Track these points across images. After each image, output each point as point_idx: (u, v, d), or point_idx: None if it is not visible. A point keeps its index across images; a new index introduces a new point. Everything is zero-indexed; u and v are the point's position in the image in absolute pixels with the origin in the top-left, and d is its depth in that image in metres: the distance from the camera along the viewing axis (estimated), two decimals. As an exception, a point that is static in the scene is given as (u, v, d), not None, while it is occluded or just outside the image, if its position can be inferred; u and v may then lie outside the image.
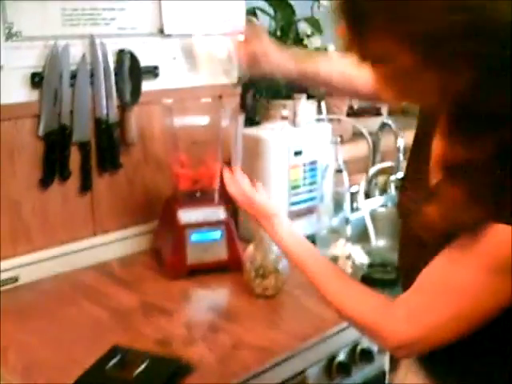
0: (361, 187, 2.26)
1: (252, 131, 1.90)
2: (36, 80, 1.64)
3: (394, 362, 1.41)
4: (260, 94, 2.09)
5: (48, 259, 1.72)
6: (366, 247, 2.03)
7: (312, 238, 1.77)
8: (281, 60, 1.44)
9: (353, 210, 2.20)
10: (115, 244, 1.84)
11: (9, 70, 1.59)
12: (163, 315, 1.51)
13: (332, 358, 1.48)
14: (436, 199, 0.88)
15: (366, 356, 1.53)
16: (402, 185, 1.22)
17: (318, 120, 2.16)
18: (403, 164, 2.11)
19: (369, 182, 2.34)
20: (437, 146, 0.98)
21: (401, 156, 2.26)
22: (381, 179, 2.42)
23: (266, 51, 1.43)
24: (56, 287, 1.67)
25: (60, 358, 1.33)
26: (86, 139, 1.74)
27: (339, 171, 1.97)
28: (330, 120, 2.22)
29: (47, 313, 1.54)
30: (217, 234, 1.70)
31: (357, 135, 2.44)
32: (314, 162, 1.96)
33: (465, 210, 0.84)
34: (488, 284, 0.86)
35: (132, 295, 1.60)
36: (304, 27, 2.18)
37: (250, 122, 1.95)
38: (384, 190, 2.40)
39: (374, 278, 1.68)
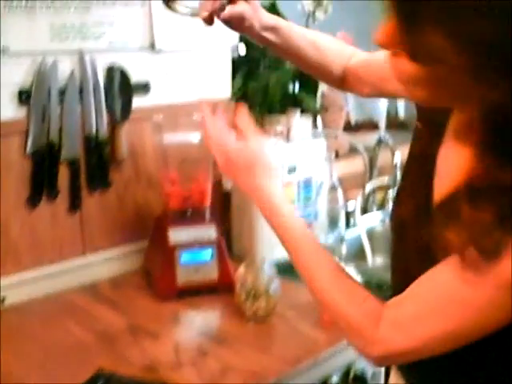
0: (357, 203, 2.23)
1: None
2: (24, 97, 1.62)
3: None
4: (254, 109, 2.06)
5: (36, 279, 1.69)
6: (362, 266, 2.01)
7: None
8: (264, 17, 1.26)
9: (349, 226, 2.17)
10: (105, 263, 1.80)
11: (-4, 86, 1.56)
12: (151, 338, 1.47)
13: (324, 382, 1.44)
14: (456, 222, 0.83)
15: (360, 380, 1.49)
16: (396, 198, 1.17)
17: (314, 135, 2.13)
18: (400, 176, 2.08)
19: (366, 198, 2.30)
20: (451, 161, 0.93)
21: (398, 171, 2.23)
22: (378, 195, 2.38)
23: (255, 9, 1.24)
24: (43, 309, 1.64)
25: (44, 382, 1.29)
26: (75, 157, 1.71)
27: (334, 188, 1.93)
28: (326, 135, 2.19)
29: (33, 336, 1.50)
30: (207, 254, 1.67)
31: (354, 150, 2.41)
32: (308, 179, 1.93)
33: (489, 233, 0.79)
34: (496, 299, 0.82)
35: (120, 317, 1.57)
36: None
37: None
38: (381, 206, 2.37)
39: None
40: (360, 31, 2.48)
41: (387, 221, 2.26)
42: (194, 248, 1.66)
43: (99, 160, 1.75)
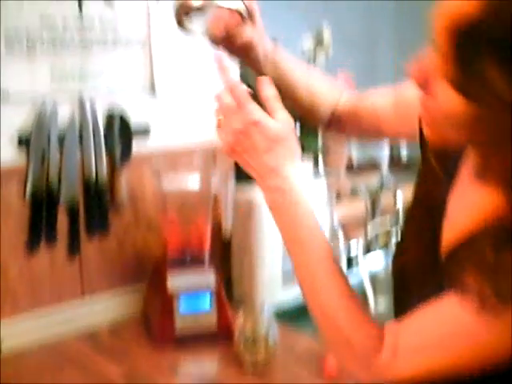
0: (359, 245, 2.21)
1: (244, 193, 1.85)
2: (23, 141, 1.61)
3: None
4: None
5: (34, 323, 1.67)
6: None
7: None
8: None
9: (350, 265, 2.15)
10: (103, 308, 1.79)
11: (-5, 129, 1.56)
12: (148, 389, 1.45)
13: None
14: (477, 264, 0.80)
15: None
16: (399, 244, 1.14)
17: (315, 176, 2.12)
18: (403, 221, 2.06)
19: (368, 240, 2.28)
20: (468, 202, 0.90)
21: (400, 213, 2.21)
22: (380, 237, 2.36)
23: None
24: (40, 358, 1.61)
25: None
26: (74, 202, 1.70)
27: (335, 231, 1.92)
28: (327, 176, 2.17)
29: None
30: (206, 301, 1.64)
31: (355, 191, 2.40)
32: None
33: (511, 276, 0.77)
34: (506, 337, 0.79)
35: (117, 367, 1.54)
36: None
37: (244, 177, 1.90)
38: (384, 248, 2.34)
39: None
40: (360, 70, 2.49)
41: (390, 264, 2.24)
42: (193, 294, 1.64)
43: (99, 204, 1.74)
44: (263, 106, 0.92)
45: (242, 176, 1.83)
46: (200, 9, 0.94)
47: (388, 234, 2.32)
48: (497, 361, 0.81)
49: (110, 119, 1.75)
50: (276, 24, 2.10)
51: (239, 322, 1.53)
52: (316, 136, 2.20)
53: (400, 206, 2.20)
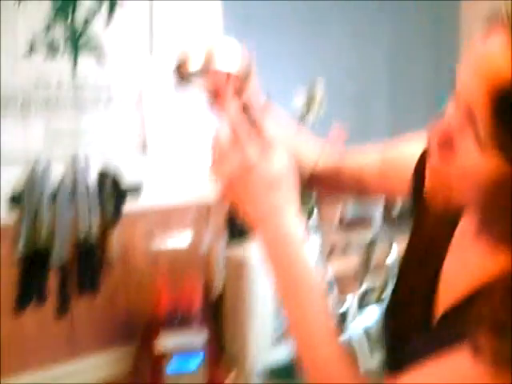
0: (353, 301, 2.20)
1: (236, 251, 1.85)
2: (16, 200, 1.62)
3: None
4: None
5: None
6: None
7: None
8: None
9: (345, 321, 2.14)
10: (93, 368, 1.77)
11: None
12: None
13: None
14: (488, 324, 0.78)
15: None
16: (391, 307, 1.12)
17: (309, 232, 2.12)
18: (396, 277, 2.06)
19: (361, 296, 2.28)
20: (467, 262, 0.90)
21: (393, 269, 2.21)
22: (374, 291, 2.36)
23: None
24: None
25: None
26: (65, 260, 1.70)
27: (328, 287, 1.91)
28: (321, 231, 2.18)
29: None
30: (196, 361, 1.63)
31: (349, 246, 2.40)
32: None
33: None
34: None
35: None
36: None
37: (236, 236, 1.91)
38: (378, 302, 2.33)
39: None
40: (353, 125, 2.52)
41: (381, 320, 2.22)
42: (183, 354, 1.63)
43: (89, 263, 1.74)
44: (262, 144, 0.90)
45: (233, 234, 1.84)
46: (198, 72, 0.93)
47: (382, 289, 2.32)
48: None
49: (102, 177, 1.76)
50: (270, 78, 2.14)
51: (230, 382, 1.52)
52: (310, 193, 2.21)
53: (393, 260, 2.20)
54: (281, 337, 1.83)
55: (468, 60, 0.78)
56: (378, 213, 2.56)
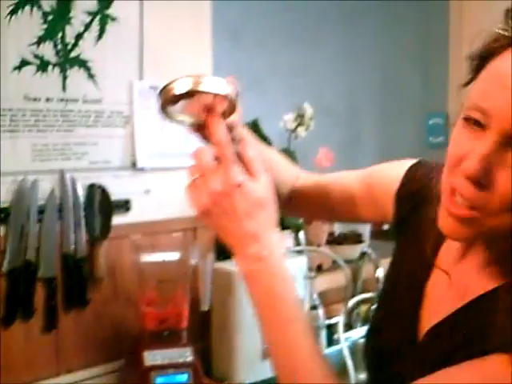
0: (340, 318, 2.19)
1: (224, 266, 1.85)
2: (2, 215, 1.61)
3: None
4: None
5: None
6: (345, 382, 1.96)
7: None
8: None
9: (332, 343, 2.13)
10: (80, 383, 1.75)
11: (-27, 205, 1.56)
12: None
13: None
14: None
15: None
16: (375, 326, 1.12)
17: (296, 251, 2.12)
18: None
19: (349, 313, 2.27)
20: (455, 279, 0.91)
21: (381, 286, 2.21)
22: (362, 309, 2.35)
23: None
24: None
25: None
26: (52, 275, 1.69)
27: (314, 307, 1.91)
28: (308, 252, 2.18)
29: None
30: (184, 377, 1.62)
31: (337, 263, 2.40)
32: (289, 297, 1.91)
33: None
34: None
35: None
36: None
37: (224, 251, 1.91)
38: (366, 321, 2.33)
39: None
40: (342, 146, 2.54)
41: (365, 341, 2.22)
42: (170, 372, 1.62)
43: (77, 278, 1.73)
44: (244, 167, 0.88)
45: (221, 249, 1.83)
46: (185, 95, 0.92)
47: (371, 304, 2.32)
48: None
49: (90, 193, 1.76)
50: (260, 95, 2.16)
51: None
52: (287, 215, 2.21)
53: (381, 280, 2.20)
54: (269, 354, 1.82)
55: (493, 83, 0.76)
56: (367, 227, 2.57)
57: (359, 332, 2.26)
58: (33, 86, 1.65)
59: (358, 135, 2.71)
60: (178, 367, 1.63)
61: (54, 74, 1.69)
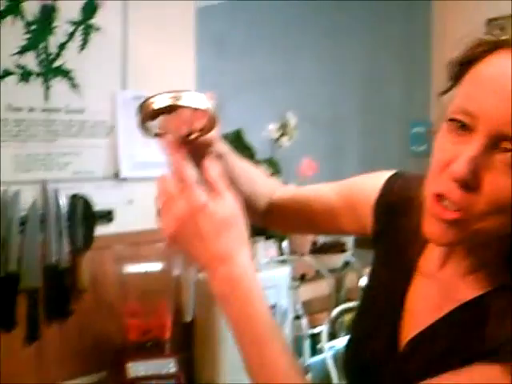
0: (324, 327, 2.20)
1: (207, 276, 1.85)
2: (-16, 226, 1.60)
3: None
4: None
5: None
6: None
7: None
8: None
9: (316, 351, 2.13)
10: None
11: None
12: None
13: None
14: None
15: None
16: (355, 338, 1.11)
17: (280, 261, 2.13)
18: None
19: (333, 322, 2.28)
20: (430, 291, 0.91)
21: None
22: (346, 318, 2.36)
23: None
24: None
25: None
26: (35, 287, 1.68)
27: (298, 317, 1.91)
28: (291, 261, 2.18)
29: None
30: (167, 390, 1.62)
31: (320, 272, 2.40)
32: (272, 306, 1.91)
33: None
34: None
35: None
36: (264, 169, 2.19)
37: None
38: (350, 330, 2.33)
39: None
40: (324, 156, 2.54)
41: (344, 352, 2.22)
42: (154, 381, 1.62)
43: (59, 289, 1.72)
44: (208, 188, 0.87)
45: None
46: (164, 110, 0.91)
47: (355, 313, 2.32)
48: None
49: (73, 204, 1.75)
50: (244, 103, 2.17)
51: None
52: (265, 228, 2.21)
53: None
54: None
55: (479, 86, 0.77)
56: (350, 238, 2.57)
57: (343, 341, 2.26)
58: (15, 96, 1.65)
59: (341, 144, 2.72)
60: (161, 378, 1.62)
61: (36, 83, 1.68)
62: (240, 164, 1.10)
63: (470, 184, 0.75)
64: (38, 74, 1.68)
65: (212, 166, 0.89)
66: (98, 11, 1.78)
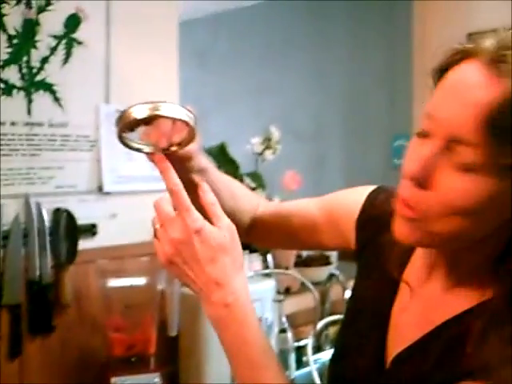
0: (309, 341, 2.19)
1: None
2: (-34, 241, 1.59)
3: None
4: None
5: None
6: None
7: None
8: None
9: (302, 364, 2.13)
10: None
11: None
12: None
13: None
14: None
15: None
16: (339, 353, 1.10)
17: (264, 274, 2.12)
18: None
19: (318, 335, 2.27)
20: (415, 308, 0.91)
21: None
22: (331, 331, 2.35)
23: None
24: None
25: None
26: (17, 302, 1.66)
27: (283, 330, 1.91)
28: (276, 274, 2.18)
29: None
30: (151, 405, 1.61)
31: (305, 285, 2.40)
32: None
33: None
34: None
35: None
36: (248, 182, 2.19)
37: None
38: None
39: None
40: (308, 168, 2.55)
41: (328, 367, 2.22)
42: (138, 398, 1.60)
43: (42, 304, 1.71)
44: (203, 213, 0.86)
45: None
46: (143, 121, 0.90)
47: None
48: None
49: (56, 218, 1.74)
50: (227, 116, 2.18)
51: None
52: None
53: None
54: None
55: (442, 92, 0.79)
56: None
57: (328, 354, 2.26)
58: (-2, 111, 1.64)
59: (324, 157, 2.73)
60: (145, 394, 1.61)
61: (19, 97, 1.67)
62: (222, 178, 1.09)
63: (422, 182, 0.77)
64: (21, 88, 1.68)
65: (206, 191, 0.89)
66: (80, 25, 1.77)
